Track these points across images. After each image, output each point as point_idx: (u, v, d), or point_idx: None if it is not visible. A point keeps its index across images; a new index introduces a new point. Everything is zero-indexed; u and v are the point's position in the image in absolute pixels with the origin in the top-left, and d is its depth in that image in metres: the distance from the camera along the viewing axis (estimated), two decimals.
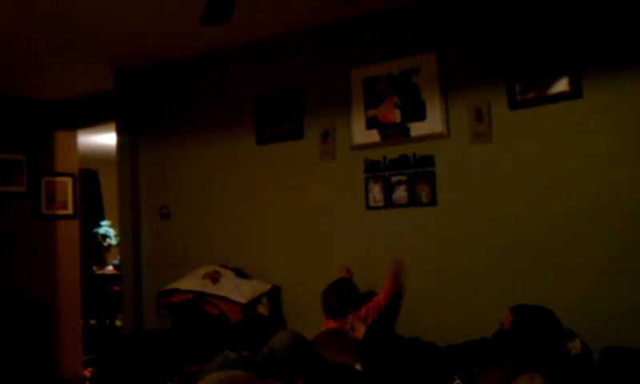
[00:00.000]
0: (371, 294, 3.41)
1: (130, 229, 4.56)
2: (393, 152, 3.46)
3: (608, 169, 2.83)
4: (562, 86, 2.96)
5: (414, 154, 3.39)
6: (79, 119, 5.47)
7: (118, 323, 6.04)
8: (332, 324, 3.30)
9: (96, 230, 7.07)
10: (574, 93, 2.92)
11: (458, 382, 2.47)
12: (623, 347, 2.53)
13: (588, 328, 2.69)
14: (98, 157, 6.86)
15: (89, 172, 6.89)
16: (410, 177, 3.40)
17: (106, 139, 6.24)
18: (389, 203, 3.47)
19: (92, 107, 5.30)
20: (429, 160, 3.34)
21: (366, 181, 3.55)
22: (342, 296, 3.33)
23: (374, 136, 3.53)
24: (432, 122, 3.34)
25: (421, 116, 3.38)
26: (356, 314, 3.21)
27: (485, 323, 2.84)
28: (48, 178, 5.45)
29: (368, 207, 3.54)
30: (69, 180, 5.61)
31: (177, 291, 3.83)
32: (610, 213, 2.82)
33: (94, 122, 5.45)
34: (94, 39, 3.86)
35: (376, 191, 3.51)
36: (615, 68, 2.84)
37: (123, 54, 4.24)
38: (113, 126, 4.81)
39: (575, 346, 2.53)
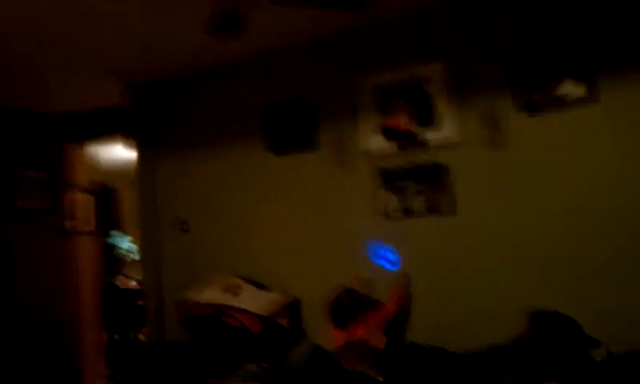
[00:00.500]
0: (376, 303, 3.40)
1: (150, 243, 4.61)
2: (405, 160, 3.48)
3: (625, 175, 2.82)
4: (578, 91, 2.95)
5: (429, 162, 3.39)
6: (94, 132, 5.54)
7: (142, 337, 6.09)
8: (339, 334, 3.30)
9: (116, 242, 7.13)
10: (591, 98, 2.91)
11: None
12: None
13: (612, 332, 2.66)
14: (111, 170, 6.91)
15: (104, 186, 6.96)
16: (426, 185, 3.40)
17: (118, 153, 6.30)
18: (403, 211, 3.48)
19: (105, 121, 5.36)
20: (445, 168, 3.34)
21: (379, 189, 3.56)
22: (347, 305, 3.34)
23: (385, 144, 3.55)
24: (444, 129, 3.35)
25: (432, 123, 3.38)
26: (369, 323, 3.21)
27: (506, 329, 2.82)
28: (69, 195, 5.52)
29: (382, 215, 3.55)
30: (90, 196, 5.70)
31: (196, 304, 3.86)
32: (628, 217, 2.80)
33: (108, 135, 5.51)
34: (106, 54, 3.92)
35: (392, 200, 3.52)
36: (632, 73, 2.82)
37: (135, 68, 4.30)
38: (124, 139, 4.86)
39: (599, 353, 2.50)
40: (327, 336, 3.38)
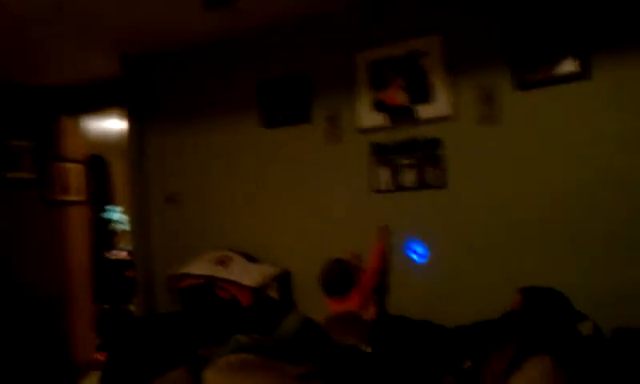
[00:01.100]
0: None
1: (140, 214, 4.60)
2: (400, 135, 3.47)
3: (617, 150, 2.82)
4: (570, 67, 2.94)
5: (422, 137, 3.39)
6: (86, 105, 5.48)
7: (132, 308, 6.11)
8: (334, 303, 3.34)
9: (107, 215, 7.12)
10: (583, 74, 2.90)
11: (468, 363, 2.49)
12: (634, 328, 2.54)
13: (596, 308, 2.69)
14: (105, 142, 6.88)
15: (97, 158, 6.92)
16: (418, 159, 3.40)
17: (112, 125, 6.26)
18: (396, 186, 3.48)
19: (99, 93, 5.29)
20: (437, 143, 3.34)
21: (374, 164, 3.55)
22: (339, 274, 3.38)
23: (380, 119, 3.53)
24: (439, 105, 3.33)
25: (428, 99, 3.37)
26: (358, 291, 3.27)
27: (494, 304, 2.85)
28: (57, 164, 5.47)
29: (375, 190, 3.55)
30: (78, 166, 5.66)
31: (187, 275, 3.87)
32: (618, 194, 2.82)
33: (101, 107, 5.46)
34: (100, 25, 3.85)
35: (384, 174, 3.52)
36: (625, 50, 2.82)
37: (128, 39, 4.23)
38: (118, 111, 4.83)
39: (586, 327, 2.53)
40: (322, 306, 3.42)
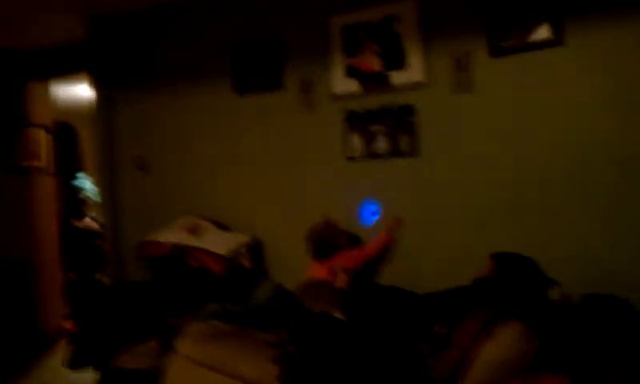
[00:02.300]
0: (356, 239, 3.43)
1: (108, 182, 4.52)
2: (373, 102, 3.42)
3: (591, 116, 2.82)
4: (543, 33, 2.92)
5: (395, 104, 3.35)
6: (53, 69, 5.32)
7: (101, 277, 6.03)
8: (317, 266, 3.32)
9: (75, 183, 6.99)
10: (556, 40, 2.89)
11: (439, 329, 2.50)
12: (602, 294, 2.57)
13: (571, 275, 2.72)
14: (75, 110, 6.72)
15: (66, 125, 6.75)
16: (390, 127, 3.37)
17: (83, 91, 6.10)
18: (369, 154, 3.45)
19: (66, 57, 5.14)
20: (409, 109, 3.31)
21: (346, 131, 3.51)
22: (327, 237, 3.36)
23: (353, 85, 3.48)
24: (412, 71, 3.29)
25: (401, 65, 3.33)
26: (341, 258, 3.25)
27: (465, 272, 2.86)
28: (24, 131, 5.32)
29: (348, 158, 3.52)
30: (44, 132, 5.50)
31: (157, 244, 3.82)
32: (595, 161, 2.82)
33: (69, 72, 5.31)
34: None
35: (356, 142, 3.49)
36: (597, 16, 2.80)
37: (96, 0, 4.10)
38: (88, 77, 4.70)
39: (556, 293, 2.56)
40: (294, 275, 3.40)
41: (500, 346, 2.20)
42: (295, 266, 3.49)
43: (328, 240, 3.34)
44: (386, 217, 3.38)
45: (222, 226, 3.90)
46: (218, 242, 3.67)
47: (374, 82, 3.42)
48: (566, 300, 2.54)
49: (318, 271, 3.28)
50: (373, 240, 3.35)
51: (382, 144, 3.41)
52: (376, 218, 3.41)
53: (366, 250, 3.33)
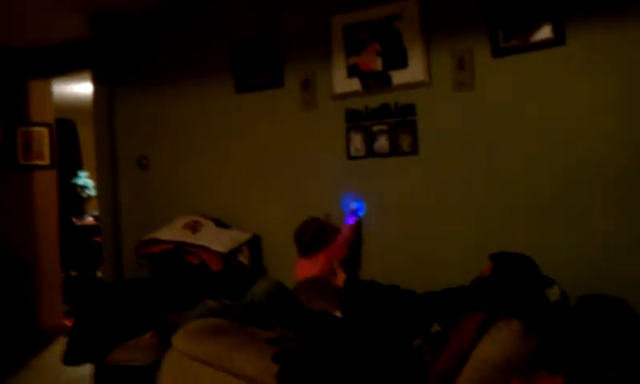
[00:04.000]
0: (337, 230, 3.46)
1: (108, 179, 4.51)
2: (374, 101, 3.42)
3: (593, 116, 2.81)
4: (545, 33, 2.91)
5: (396, 103, 3.35)
6: (54, 68, 5.31)
7: (100, 274, 6.03)
8: (305, 263, 3.32)
9: (75, 180, 6.99)
10: (558, 40, 2.88)
11: (437, 328, 2.49)
12: (599, 295, 2.56)
13: (568, 276, 2.71)
14: (75, 107, 6.74)
15: (66, 122, 6.76)
16: (391, 126, 3.37)
17: (83, 89, 6.11)
18: (370, 152, 3.45)
19: (67, 55, 5.14)
20: (410, 109, 3.30)
21: (347, 130, 3.51)
22: (314, 234, 3.37)
23: (355, 85, 3.47)
24: (414, 70, 3.29)
25: (403, 64, 3.32)
26: (330, 251, 3.26)
27: (467, 270, 2.85)
28: (24, 128, 5.34)
29: (349, 157, 3.51)
30: (45, 130, 5.50)
31: (156, 241, 3.81)
32: (595, 162, 2.80)
33: (70, 70, 5.30)
34: None
35: (357, 140, 3.48)
36: (598, 15, 2.79)
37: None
38: (89, 74, 4.70)
39: (553, 292, 2.55)
40: (292, 272, 3.40)
41: (498, 344, 2.18)
42: (294, 263, 3.48)
43: (319, 234, 3.36)
44: (386, 217, 3.38)
45: (223, 224, 3.89)
46: (216, 239, 3.67)
47: (375, 81, 3.42)
48: (563, 300, 2.54)
49: (309, 268, 3.29)
50: (342, 225, 3.40)
51: (382, 143, 3.41)
52: (361, 213, 3.44)
53: (343, 233, 3.36)
